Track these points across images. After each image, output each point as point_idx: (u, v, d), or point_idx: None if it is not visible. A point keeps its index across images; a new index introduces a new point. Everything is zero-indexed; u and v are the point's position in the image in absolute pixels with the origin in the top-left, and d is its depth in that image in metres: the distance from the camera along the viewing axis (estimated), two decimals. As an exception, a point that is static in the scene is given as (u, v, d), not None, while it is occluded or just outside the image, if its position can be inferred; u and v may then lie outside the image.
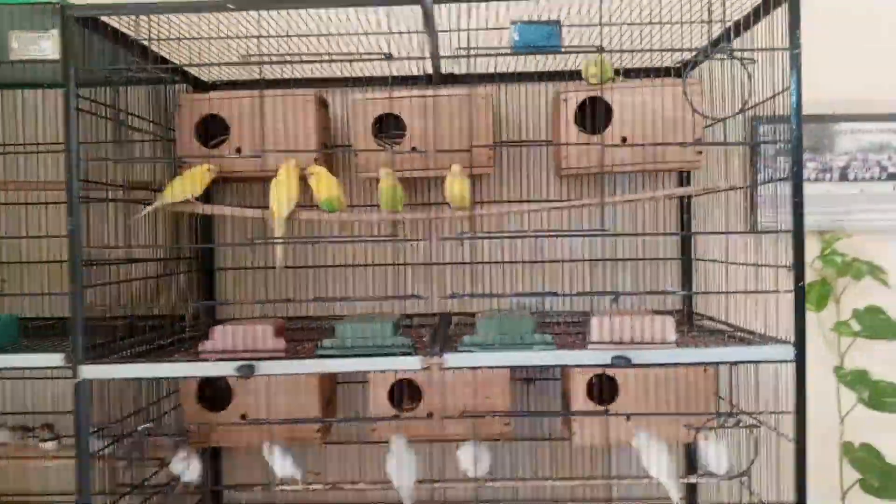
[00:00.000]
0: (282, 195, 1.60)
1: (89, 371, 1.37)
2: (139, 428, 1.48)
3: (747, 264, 1.59)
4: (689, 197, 1.96)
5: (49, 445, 1.81)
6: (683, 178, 1.96)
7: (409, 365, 1.35)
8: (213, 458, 2.01)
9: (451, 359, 1.35)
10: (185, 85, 1.93)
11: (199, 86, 1.98)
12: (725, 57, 1.39)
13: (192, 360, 1.39)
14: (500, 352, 1.35)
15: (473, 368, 1.44)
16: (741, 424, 1.40)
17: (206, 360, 1.38)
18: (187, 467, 1.66)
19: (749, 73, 1.38)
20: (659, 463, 1.59)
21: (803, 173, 1.37)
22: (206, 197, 1.85)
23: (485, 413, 1.58)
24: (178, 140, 1.79)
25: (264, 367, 1.34)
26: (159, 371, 1.37)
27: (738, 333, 1.57)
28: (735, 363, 1.39)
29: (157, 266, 1.79)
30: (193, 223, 1.97)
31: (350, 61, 1.42)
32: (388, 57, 1.36)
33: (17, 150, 1.84)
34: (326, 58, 1.43)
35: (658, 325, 1.36)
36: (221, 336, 1.39)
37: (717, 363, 1.48)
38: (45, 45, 1.39)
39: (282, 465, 1.65)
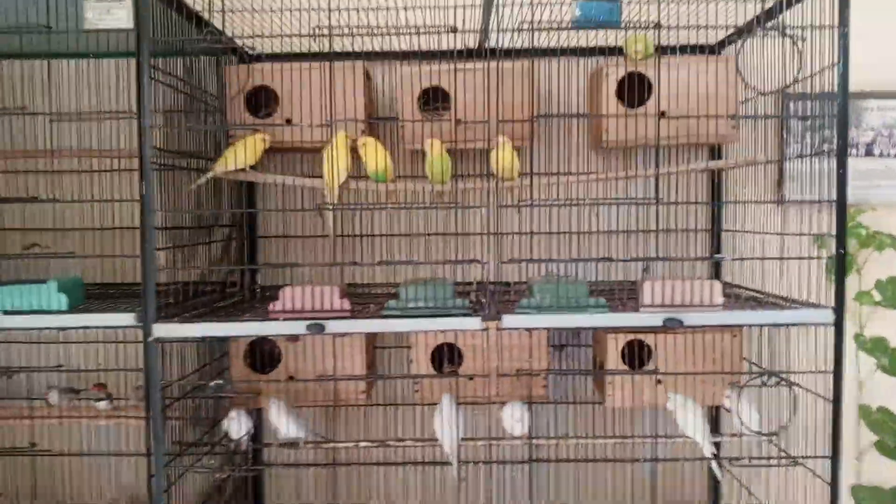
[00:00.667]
0: (334, 165, 1.65)
1: (162, 329, 1.43)
2: (211, 384, 1.55)
3: (783, 234, 1.66)
4: (721, 170, 2.03)
5: (102, 405, 1.88)
6: (715, 152, 2.04)
7: (469, 325, 1.42)
8: (259, 418, 2.08)
9: (509, 320, 1.42)
10: (233, 57, 1.97)
11: (248, 59, 2.01)
12: (777, 34, 1.45)
13: (262, 320, 1.45)
14: (557, 314, 1.42)
15: (529, 330, 1.51)
16: (781, 383, 1.48)
17: (276, 318, 1.44)
18: (240, 426, 1.73)
19: (800, 49, 1.44)
20: (694, 422, 1.68)
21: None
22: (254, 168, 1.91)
23: (531, 371, 1.65)
24: (228, 111, 1.84)
25: (333, 326, 1.41)
26: (231, 330, 1.44)
27: (771, 299, 1.65)
28: (779, 325, 1.47)
29: (210, 233, 1.84)
30: (236, 191, 2.02)
31: (417, 34, 1.46)
32: (454, 29, 1.41)
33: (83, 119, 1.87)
34: (393, 31, 1.47)
35: (707, 289, 1.43)
36: (290, 297, 1.45)
37: (763, 325, 1.55)
38: (120, 14, 1.43)
39: (285, 424, 1.71)
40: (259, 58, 2.01)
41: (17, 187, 1.96)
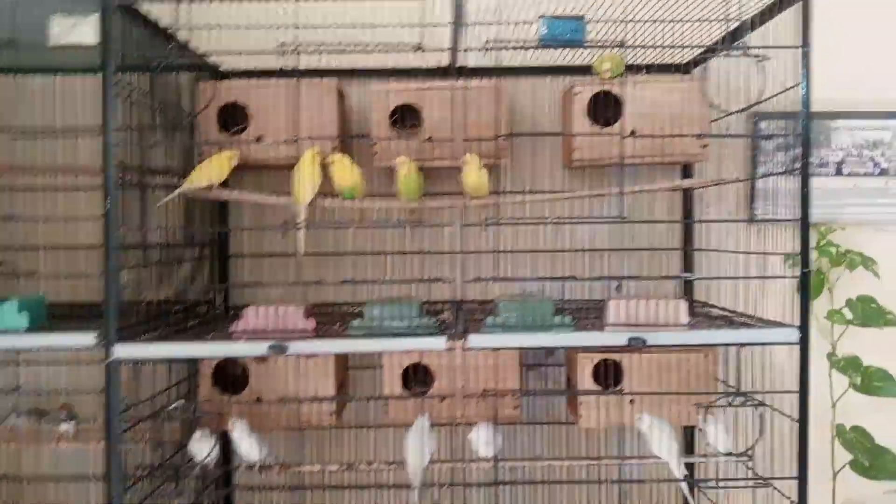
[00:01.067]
0: (303, 182, 1.64)
1: (122, 350, 1.40)
2: (170, 407, 1.52)
3: (749, 252, 1.67)
4: (692, 189, 2.04)
5: (65, 427, 1.84)
6: (685, 172, 2.05)
7: (434, 345, 1.40)
8: (223, 441, 2.05)
9: (475, 339, 1.41)
10: (205, 74, 1.96)
11: (218, 75, 2.01)
12: (741, 54, 1.46)
13: (224, 341, 1.43)
14: (521, 333, 1.41)
15: (495, 349, 1.50)
16: (749, 403, 1.47)
17: (237, 339, 1.42)
18: (205, 449, 1.69)
19: (763, 70, 1.46)
20: (663, 443, 1.66)
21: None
22: (224, 185, 1.90)
23: (498, 391, 1.63)
24: (199, 127, 1.83)
25: (295, 347, 1.39)
26: (192, 351, 1.42)
27: (740, 319, 1.65)
28: (743, 345, 1.47)
29: (178, 252, 1.82)
30: (208, 210, 2.01)
31: (382, 52, 1.46)
32: (419, 48, 1.41)
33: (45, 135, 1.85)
34: (360, 48, 1.47)
35: (672, 308, 1.43)
36: (253, 317, 1.44)
37: (727, 345, 1.55)
38: (85, 31, 1.42)
39: (248, 446, 1.68)
40: (232, 75, 2.02)
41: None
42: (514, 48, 1.42)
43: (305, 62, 1.93)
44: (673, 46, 1.57)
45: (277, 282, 1.93)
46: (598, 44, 1.44)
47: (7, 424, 1.90)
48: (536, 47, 1.40)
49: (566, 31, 1.36)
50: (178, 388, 1.85)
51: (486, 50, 1.38)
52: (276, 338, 1.40)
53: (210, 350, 1.42)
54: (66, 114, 1.89)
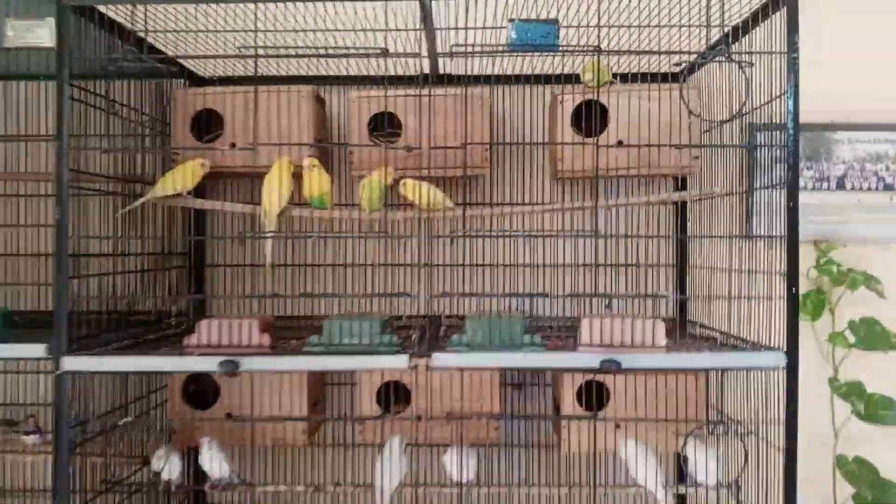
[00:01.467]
0: (273, 191, 1.59)
1: (71, 363, 1.35)
2: (119, 422, 1.46)
3: (740, 270, 1.57)
4: (685, 203, 1.95)
5: (31, 439, 1.79)
6: (679, 183, 1.96)
7: (396, 364, 1.33)
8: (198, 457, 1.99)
9: (439, 358, 1.33)
10: (182, 80, 1.92)
11: (197, 82, 1.97)
12: (723, 60, 1.38)
13: (175, 355, 1.36)
14: (488, 352, 1.33)
15: (461, 369, 1.42)
16: (729, 433, 1.37)
17: (189, 354, 1.36)
18: (168, 465, 1.63)
19: (747, 76, 1.37)
20: (646, 471, 1.57)
21: (800, 181, 1.36)
22: (201, 193, 1.85)
23: (470, 415, 1.55)
24: (172, 134, 1.79)
25: (248, 363, 1.32)
26: (141, 365, 1.35)
27: (731, 340, 1.55)
28: (725, 369, 1.37)
29: (146, 260, 1.77)
30: (187, 219, 1.96)
31: (346, 56, 1.41)
32: (385, 52, 1.34)
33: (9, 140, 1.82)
34: (322, 52, 1.41)
35: (648, 329, 1.34)
36: (206, 330, 1.37)
37: (707, 369, 1.45)
38: (41, 33, 1.37)
39: (215, 464, 1.62)
40: (207, 81, 1.97)
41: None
42: (481, 54, 1.35)
43: (285, 69, 1.89)
44: (651, 52, 1.50)
45: (238, 294, 1.86)
46: (573, 49, 1.36)
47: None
48: (505, 52, 1.32)
49: (537, 36, 1.28)
50: (147, 400, 1.80)
51: (451, 55, 1.31)
52: (228, 353, 1.34)
53: (160, 364, 1.35)
54: (29, 120, 1.85)
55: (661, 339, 1.34)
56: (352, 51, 1.37)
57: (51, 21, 1.37)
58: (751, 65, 1.38)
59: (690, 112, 1.49)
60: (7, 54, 1.42)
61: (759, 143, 1.53)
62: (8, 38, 1.36)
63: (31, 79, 1.82)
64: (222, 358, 1.31)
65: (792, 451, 1.34)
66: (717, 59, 1.43)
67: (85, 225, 1.46)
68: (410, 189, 1.52)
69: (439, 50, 1.57)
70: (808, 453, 1.45)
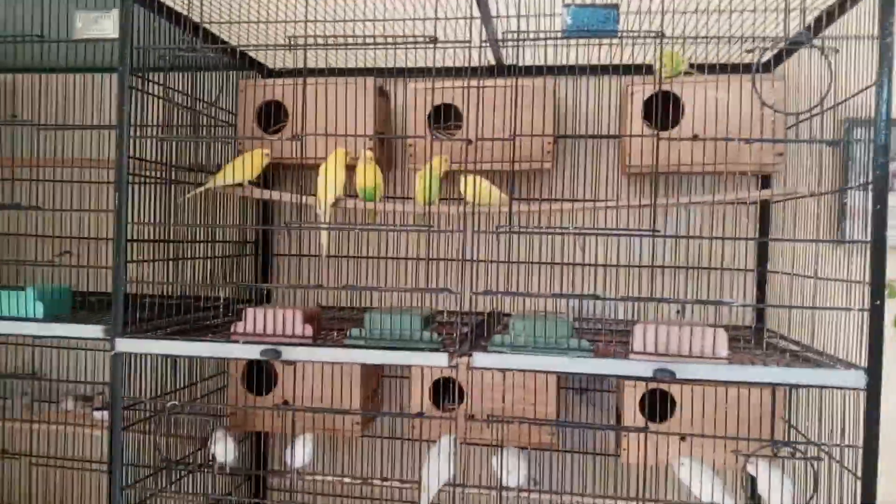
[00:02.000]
0: (328, 182, 1.58)
1: (124, 345, 1.39)
2: (167, 405, 1.49)
3: (823, 278, 1.43)
4: (769, 204, 1.81)
5: (100, 414, 1.87)
6: (760, 182, 1.81)
7: (435, 361, 1.29)
8: (260, 442, 2.03)
9: (480, 358, 1.28)
10: (253, 72, 1.94)
11: (269, 74, 1.99)
12: (804, 46, 1.25)
13: (220, 341, 1.38)
14: (531, 355, 1.27)
15: (502, 371, 1.36)
16: (799, 455, 1.25)
17: (235, 341, 1.37)
18: (223, 449, 1.66)
19: (831, 64, 1.24)
20: (706, 491, 1.46)
21: (890, 181, 1.21)
22: (266, 182, 1.87)
23: (517, 419, 1.49)
24: (238, 125, 1.82)
25: (289, 353, 1.32)
26: (189, 349, 1.38)
27: (808, 354, 1.42)
28: (794, 386, 1.24)
29: (212, 247, 1.81)
30: (259, 208, 2.00)
31: (395, 46, 1.37)
32: (434, 40, 1.30)
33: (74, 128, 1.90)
34: (371, 41, 1.39)
35: (709, 337, 1.24)
36: (252, 319, 1.38)
37: (773, 384, 1.32)
38: (106, 25, 1.42)
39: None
40: (275, 73, 2.00)
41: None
42: (537, 39, 1.28)
43: (350, 61, 1.88)
44: (719, 37, 1.37)
45: (282, 284, 1.87)
46: (633, 34, 1.26)
47: (61, 408, 1.98)
48: (561, 38, 1.25)
49: (595, 21, 1.20)
50: (209, 384, 1.85)
51: (503, 42, 1.25)
52: (271, 342, 1.34)
53: (206, 350, 1.37)
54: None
55: (723, 350, 1.23)
56: (399, 40, 1.33)
57: (115, 13, 1.41)
58: (836, 51, 1.24)
59: (763, 103, 1.36)
60: (79, 46, 1.48)
61: (849, 139, 1.38)
62: (77, 30, 1.41)
63: (103, 71, 1.90)
64: (264, 346, 1.32)
65: (870, 478, 1.20)
66: (795, 46, 1.29)
67: (151, 212, 1.50)
68: (470, 185, 1.47)
69: (479, 38, 1.51)
70: (888, 476, 1.31)
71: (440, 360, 1.28)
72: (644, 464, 1.62)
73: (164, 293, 1.57)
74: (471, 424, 1.69)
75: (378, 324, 1.33)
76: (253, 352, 1.33)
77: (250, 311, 1.39)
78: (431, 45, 1.29)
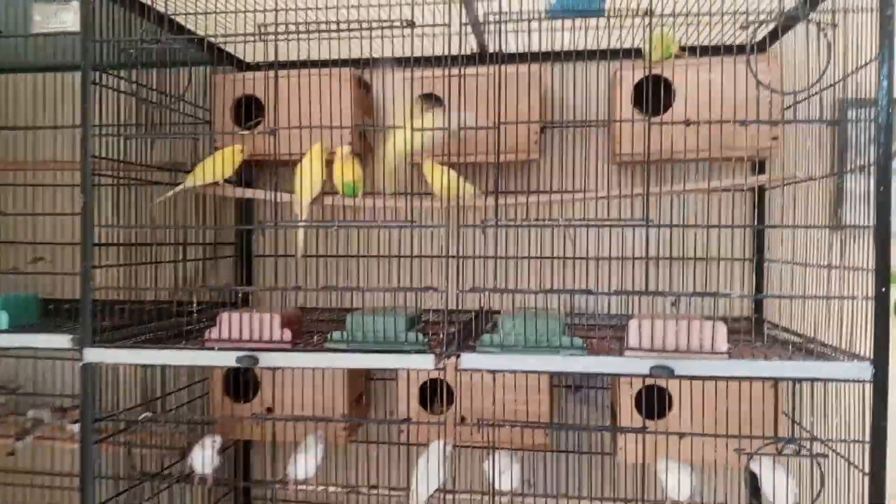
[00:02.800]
0: (305, 178, 1.51)
1: (93, 354, 1.32)
2: (140, 417, 1.42)
3: (825, 266, 1.37)
4: (764, 190, 1.75)
5: (76, 427, 1.80)
6: (757, 168, 1.75)
7: (421, 364, 1.22)
8: (243, 451, 1.96)
9: (468, 359, 1.22)
10: (231, 66, 1.87)
11: (246, 68, 1.92)
12: (799, 22, 1.18)
13: (194, 349, 1.31)
14: (522, 355, 1.21)
15: (492, 372, 1.30)
16: (804, 452, 1.19)
17: (209, 348, 1.30)
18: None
19: (829, 40, 1.17)
20: (684, 492, 1.40)
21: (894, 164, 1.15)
22: (243, 180, 1.80)
23: (512, 423, 1.43)
24: (213, 121, 1.74)
25: (267, 359, 1.25)
26: (161, 358, 1.30)
27: (810, 346, 1.36)
28: (797, 380, 1.18)
29: (184, 250, 1.73)
30: (238, 208, 1.92)
31: (371, 31, 1.30)
32: (411, 24, 1.23)
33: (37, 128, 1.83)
34: (345, 28, 1.31)
35: (707, 331, 1.17)
36: (227, 324, 1.31)
37: (775, 378, 1.27)
38: (66, 17, 1.34)
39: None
40: (251, 66, 1.92)
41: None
42: (520, 20, 1.21)
43: (326, 52, 1.80)
44: (710, 14, 1.30)
45: (259, 286, 1.80)
46: (621, 14, 1.20)
47: (29, 418, 1.90)
48: (544, 19, 1.18)
49: (580, 2, 1.14)
50: (189, 390, 1.78)
51: (484, 26, 1.18)
52: (248, 348, 1.27)
53: (179, 358, 1.30)
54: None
55: (722, 344, 1.17)
56: (375, 24, 1.26)
57: (75, 4, 1.33)
58: (835, 26, 1.18)
59: (759, 83, 1.29)
60: (37, 43, 1.40)
61: (847, 119, 1.32)
62: (35, 23, 1.33)
63: (65, 70, 1.82)
64: (240, 353, 1.25)
65: (878, 474, 1.14)
66: (791, 21, 1.23)
67: (124, 214, 1.42)
68: (436, 178, 1.40)
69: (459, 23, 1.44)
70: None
71: (426, 362, 1.22)
72: (642, 463, 1.57)
73: (136, 299, 1.50)
74: (461, 428, 1.63)
75: (361, 326, 1.26)
76: (228, 359, 1.26)
77: (224, 315, 1.32)
78: (408, 30, 1.21)
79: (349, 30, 1.31)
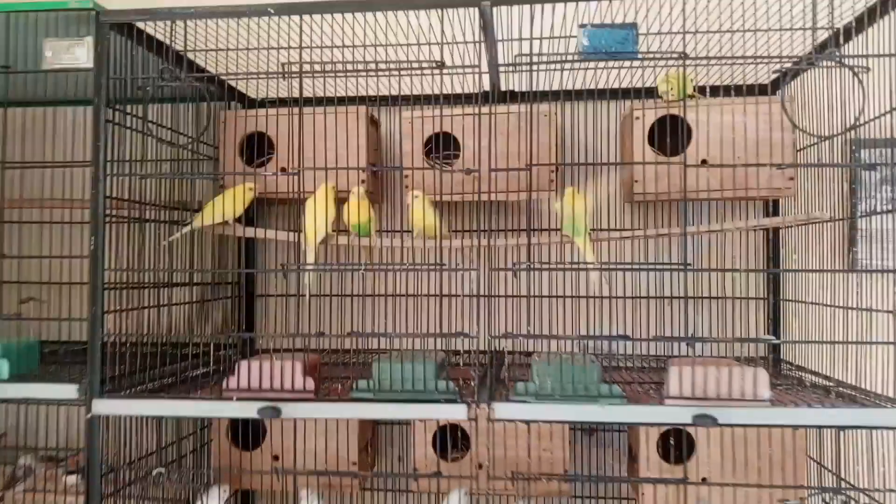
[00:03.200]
0: (317, 218, 1.47)
1: (102, 406, 1.24)
2: (153, 472, 1.35)
3: (847, 307, 1.36)
4: (779, 230, 1.74)
5: (73, 479, 1.70)
6: (771, 208, 1.76)
7: (452, 414, 1.17)
8: (247, 501, 1.87)
9: (501, 409, 1.17)
10: (234, 102, 1.83)
11: (250, 104, 1.88)
12: (833, 64, 1.18)
13: (212, 399, 1.24)
14: (559, 403, 1.16)
15: (527, 422, 1.25)
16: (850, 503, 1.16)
17: (228, 399, 1.24)
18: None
19: (861, 82, 1.18)
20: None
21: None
22: (250, 219, 1.75)
23: (536, 476, 1.38)
24: (221, 158, 1.70)
25: (290, 410, 1.19)
26: (177, 409, 1.24)
27: (839, 389, 1.34)
28: (844, 428, 1.16)
29: (191, 292, 1.67)
30: (238, 247, 1.87)
31: (399, 71, 1.28)
32: (441, 65, 1.21)
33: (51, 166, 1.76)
34: (372, 67, 1.29)
35: (749, 378, 1.15)
36: (246, 372, 1.25)
37: (822, 427, 1.24)
38: (80, 53, 1.30)
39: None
40: (257, 103, 1.88)
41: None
42: (551, 63, 1.20)
43: (339, 89, 1.78)
44: (745, 58, 1.30)
45: (284, 328, 1.74)
46: (655, 55, 1.19)
47: (20, 466, 1.79)
48: (578, 61, 1.17)
49: (613, 42, 1.13)
50: (193, 438, 1.70)
51: (515, 67, 1.17)
52: (269, 398, 1.21)
53: (197, 409, 1.24)
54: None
55: (764, 391, 1.14)
56: (404, 65, 1.24)
57: (89, 40, 1.29)
58: (867, 70, 1.18)
59: (795, 126, 1.29)
60: (48, 77, 1.35)
61: (874, 162, 1.32)
62: (46, 59, 1.29)
63: (75, 104, 1.77)
64: (262, 404, 1.19)
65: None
66: (824, 64, 1.23)
67: (130, 255, 1.36)
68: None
69: (501, 62, 1.43)
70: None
71: (458, 412, 1.17)
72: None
73: (141, 343, 1.43)
74: (480, 476, 1.57)
75: (388, 373, 1.21)
76: (249, 410, 1.19)
77: (244, 363, 1.26)
78: (439, 70, 1.19)
79: (377, 70, 1.28)
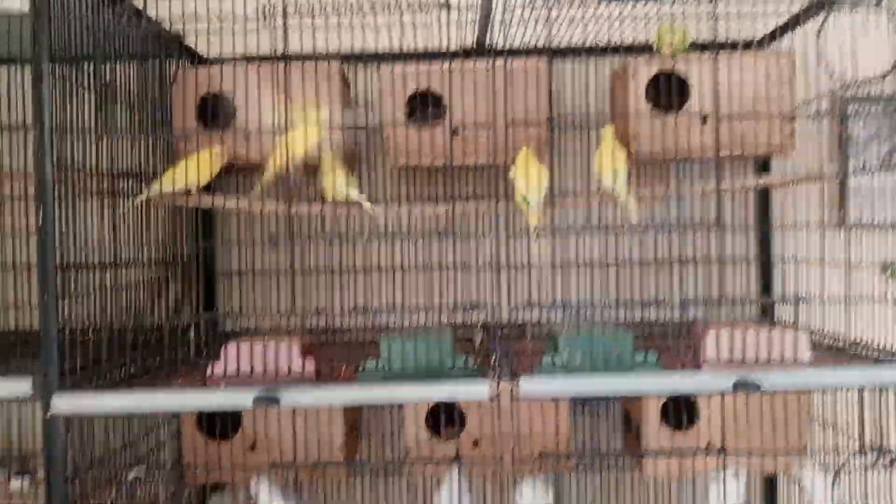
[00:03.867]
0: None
1: (64, 402, 1.07)
2: (129, 477, 1.18)
3: (854, 265, 1.33)
4: (768, 189, 1.71)
5: (18, 484, 1.51)
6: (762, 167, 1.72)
7: (475, 393, 1.06)
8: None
9: (529, 384, 1.07)
10: (185, 60, 1.63)
11: (203, 63, 1.68)
12: (869, 4, 1.12)
13: (196, 389, 1.08)
14: (591, 377, 1.06)
15: (555, 399, 1.16)
16: (887, 461, 1.12)
17: (215, 386, 1.08)
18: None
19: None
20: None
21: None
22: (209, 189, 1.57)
23: (539, 456, 1.29)
24: (175, 121, 1.51)
25: (291, 397, 1.05)
26: (154, 402, 1.07)
27: (856, 349, 1.29)
28: (886, 387, 1.11)
29: (148, 270, 1.48)
30: (193, 220, 1.68)
31: (401, 12, 1.13)
32: (447, 5, 1.07)
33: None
34: (369, 10, 1.14)
35: (789, 341, 1.08)
36: (235, 356, 1.10)
37: (865, 386, 1.18)
38: (10, -2, 1.09)
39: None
40: (214, 60, 1.69)
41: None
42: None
43: (301, 44, 1.60)
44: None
45: (270, 307, 1.59)
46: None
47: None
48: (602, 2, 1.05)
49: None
50: (159, 433, 1.52)
51: (533, 9, 1.04)
52: (264, 384, 1.06)
53: (179, 401, 1.08)
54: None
55: (805, 354, 1.08)
56: (405, 4, 1.10)
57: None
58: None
59: (826, 64, 1.23)
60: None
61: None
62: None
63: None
64: (257, 393, 1.04)
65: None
66: (858, 5, 1.16)
67: (77, 232, 1.16)
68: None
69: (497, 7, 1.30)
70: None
71: (481, 391, 1.06)
72: (669, 478, 1.48)
73: (98, 328, 1.25)
74: (476, 452, 1.47)
75: (399, 351, 1.08)
76: (243, 400, 1.04)
77: (231, 346, 1.10)
78: (445, 9, 1.05)
79: (374, 9, 1.13)
